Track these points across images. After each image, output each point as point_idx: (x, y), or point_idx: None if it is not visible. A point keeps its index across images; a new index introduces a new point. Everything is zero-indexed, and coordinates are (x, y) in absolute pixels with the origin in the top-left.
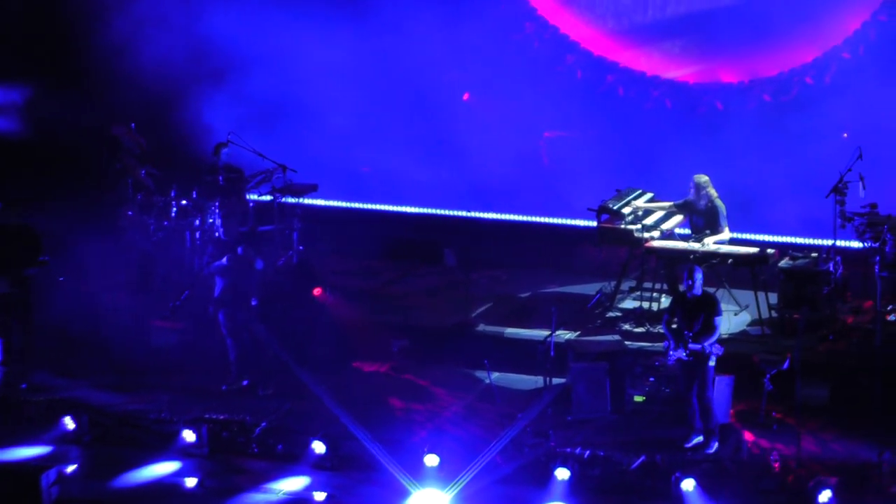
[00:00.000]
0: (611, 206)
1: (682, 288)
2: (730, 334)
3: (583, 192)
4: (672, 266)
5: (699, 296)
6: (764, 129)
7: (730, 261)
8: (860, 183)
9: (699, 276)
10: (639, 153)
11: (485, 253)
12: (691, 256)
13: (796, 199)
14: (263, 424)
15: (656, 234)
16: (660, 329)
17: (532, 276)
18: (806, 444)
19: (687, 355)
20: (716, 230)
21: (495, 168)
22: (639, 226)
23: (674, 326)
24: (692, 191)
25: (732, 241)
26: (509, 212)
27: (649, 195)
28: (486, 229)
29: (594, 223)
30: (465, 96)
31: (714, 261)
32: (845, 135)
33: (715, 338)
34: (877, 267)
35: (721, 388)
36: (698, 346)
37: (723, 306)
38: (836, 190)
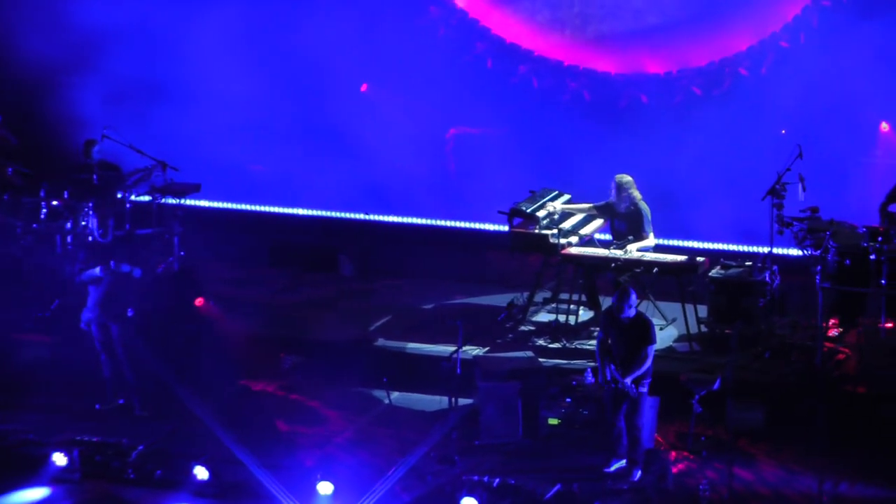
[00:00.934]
0: (524, 208)
1: (612, 307)
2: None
3: (493, 194)
4: (591, 275)
5: (633, 317)
6: (693, 124)
7: (655, 270)
8: (800, 184)
9: (633, 298)
10: (555, 151)
11: (385, 260)
12: (613, 265)
13: (729, 202)
14: (141, 448)
15: (574, 239)
16: (577, 345)
17: (437, 285)
18: (738, 472)
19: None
20: (640, 236)
21: (397, 167)
22: (555, 231)
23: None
24: (613, 192)
25: (658, 248)
26: (412, 215)
27: (566, 197)
28: (387, 234)
29: (506, 228)
30: (363, 87)
31: (638, 269)
32: (783, 131)
33: (645, 369)
34: (818, 277)
35: (645, 411)
36: (629, 382)
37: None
38: (774, 192)
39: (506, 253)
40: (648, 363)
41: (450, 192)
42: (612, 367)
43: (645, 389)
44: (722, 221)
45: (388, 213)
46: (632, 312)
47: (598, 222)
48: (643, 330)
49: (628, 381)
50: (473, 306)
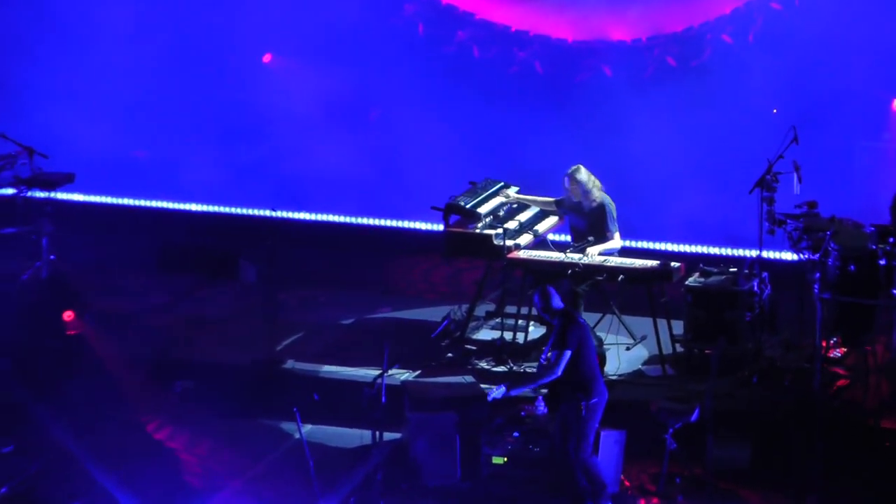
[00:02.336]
0: (462, 203)
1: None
2: (620, 375)
3: (426, 187)
4: (544, 284)
5: (560, 312)
6: (667, 102)
7: (620, 277)
8: (795, 174)
9: (556, 299)
10: (501, 134)
11: (296, 266)
12: (570, 271)
13: (709, 197)
14: (3, 490)
15: (523, 241)
16: (526, 368)
17: (359, 296)
18: None
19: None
20: (602, 237)
21: (309, 154)
22: (500, 230)
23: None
24: (569, 185)
25: (625, 252)
26: (329, 211)
27: (514, 189)
28: (298, 235)
29: (440, 227)
30: (266, 58)
31: (600, 277)
32: (775, 111)
33: (545, 379)
34: (816, 287)
35: (609, 447)
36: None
37: (608, 339)
38: (763, 183)
39: (441, 257)
40: (550, 372)
41: (373, 185)
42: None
43: (584, 412)
44: (701, 219)
45: (299, 210)
46: (558, 306)
47: (553, 220)
48: (558, 331)
49: (520, 391)
50: (402, 321)
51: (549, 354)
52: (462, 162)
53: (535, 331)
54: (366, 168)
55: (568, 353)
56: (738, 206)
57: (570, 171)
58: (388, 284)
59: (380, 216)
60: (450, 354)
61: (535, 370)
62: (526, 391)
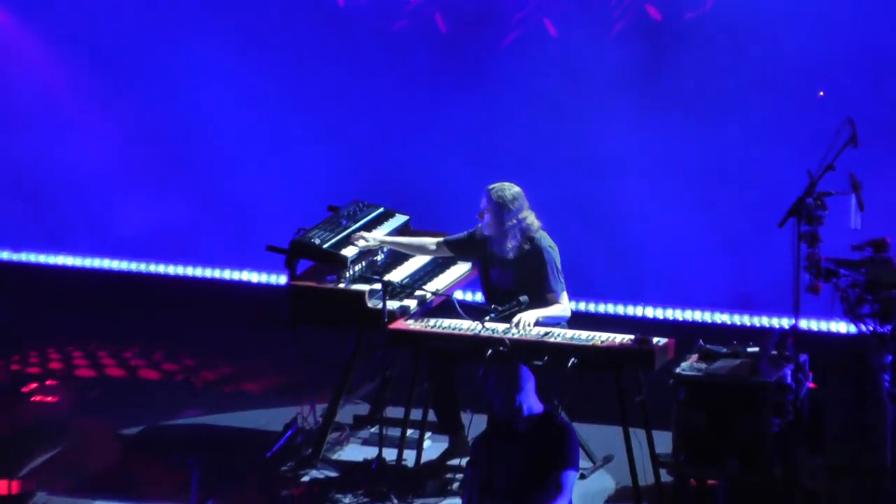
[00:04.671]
0: (317, 241)
1: (496, 411)
2: None
3: (259, 216)
4: (450, 370)
5: (536, 420)
6: (645, 77)
7: (572, 360)
8: (853, 197)
9: (529, 384)
10: (380, 130)
11: (49, 336)
12: (491, 351)
13: (714, 232)
14: None
15: (413, 302)
16: None
17: (153, 388)
18: None
19: None
20: (540, 296)
21: (72, 175)
22: (377, 285)
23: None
24: (487, 218)
25: (577, 320)
26: (101, 254)
27: (400, 221)
28: (53, 288)
29: (283, 279)
30: None
31: (538, 361)
32: (821, 93)
33: None
34: (886, 378)
35: None
36: None
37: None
38: (802, 211)
39: (283, 327)
40: (565, 499)
41: (175, 219)
42: None
43: None
44: (702, 268)
45: (57, 252)
46: (533, 408)
47: (462, 269)
48: (555, 442)
49: None
50: (221, 429)
51: (563, 475)
52: (316, 174)
53: (433, 446)
54: (160, 190)
55: (574, 476)
56: (760, 246)
57: (488, 193)
58: (197, 369)
59: (187, 262)
60: (293, 488)
61: None
62: None
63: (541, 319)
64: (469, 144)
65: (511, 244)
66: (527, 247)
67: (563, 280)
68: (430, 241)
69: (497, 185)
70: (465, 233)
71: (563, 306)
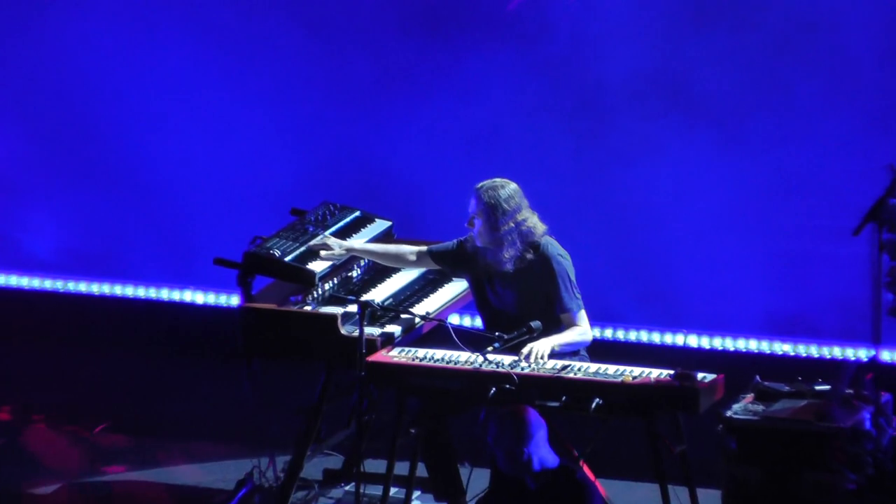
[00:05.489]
0: (276, 252)
1: (500, 465)
2: None
3: (204, 223)
4: (443, 416)
5: (550, 476)
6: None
7: (596, 401)
8: None
9: (540, 432)
10: (352, 125)
11: None
12: (493, 391)
13: (771, 242)
14: None
15: (398, 329)
16: None
17: (71, 435)
18: None
19: None
20: (551, 318)
21: None
22: (351, 307)
23: None
24: (479, 223)
25: (599, 349)
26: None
27: (382, 227)
28: None
29: (235, 299)
30: None
31: (554, 403)
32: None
33: None
34: None
35: None
36: None
37: None
38: (883, 214)
39: (237, 357)
40: None
41: (99, 228)
42: None
43: None
44: (757, 289)
45: None
46: (546, 461)
47: (458, 288)
48: (574, 498)
49: None
50: (155, 489)
51: None
52: (276, 171)
53: None
54: (78, 185)
55: None
56: (825, 259)
57: (479, 189)
58: (127, 411)
59: (106, 279)
60: None
61: None
62: None
63: (556, 349)
64: (462, 137)
65: (509, 254)
66: (530, 256)
67: (579, 295)
68: (410, 251)
69: (487, 182)
70: (454, 241)
71: (583, 329)
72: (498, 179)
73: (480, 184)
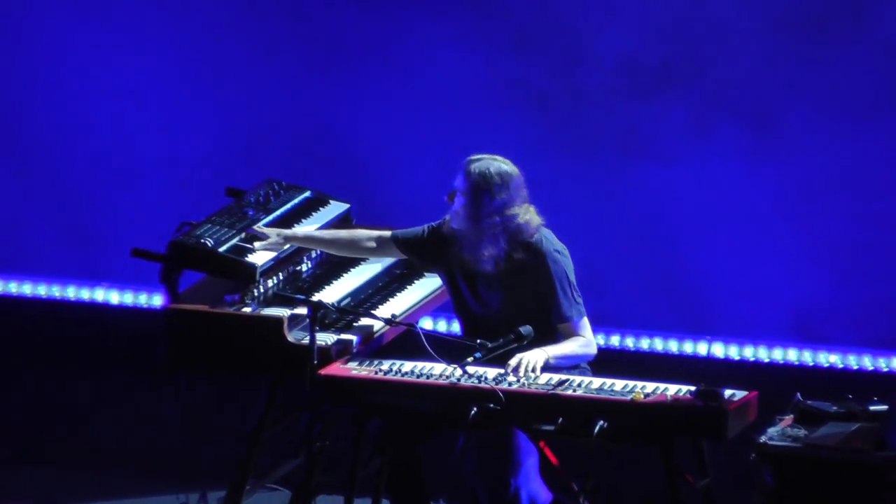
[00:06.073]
0: (208, 241)
1: (481, 501)
2: None
3: (125, 214)
4: (411, 438)
5: None
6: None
7: (601, 424)
8: None
9: (530, 461)
10: (301, 94)
11: None
12: (474, 412)
13: (811, 237)
14: None
15: (356, 336)
16: None
17: None
18: None
19: None
20: (547, 327)
21: None
22: (300, 308)
23: None
24: (460, 202)
25: (605, 360)
26: None
27: (338, 210)
28: None
29: (157, 299)
30: None
31: (548, 426)
32: None
33: None
34: None
35: None
36: None
37: None
38: None
39: (160, 371)
40: None
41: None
42: None
43: None
44: (791, 288)
45: None
46: (536, 497)
47: (431, 286)
48: None
49: None
50: None
51: None
52: (208, 145)
53: None
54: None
55: None
56: (877, 256)
57: (469, 162)
58: (27, 439)
59: (5, 274)
60: None
61: None
62: None
63: (552, 361)
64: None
65: (489, 252)
66: (519, 255)
67: (580, 299)
68: (368, 236)
69: (480, 161)
70: (425, 227)
71: (585, 340)
72: (497, 158)
73: (472, 157)
